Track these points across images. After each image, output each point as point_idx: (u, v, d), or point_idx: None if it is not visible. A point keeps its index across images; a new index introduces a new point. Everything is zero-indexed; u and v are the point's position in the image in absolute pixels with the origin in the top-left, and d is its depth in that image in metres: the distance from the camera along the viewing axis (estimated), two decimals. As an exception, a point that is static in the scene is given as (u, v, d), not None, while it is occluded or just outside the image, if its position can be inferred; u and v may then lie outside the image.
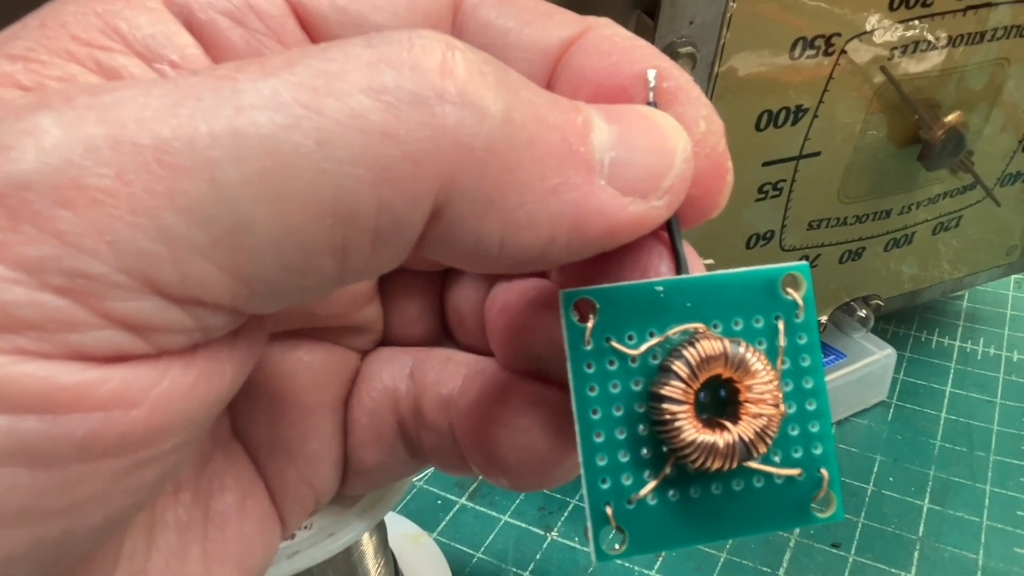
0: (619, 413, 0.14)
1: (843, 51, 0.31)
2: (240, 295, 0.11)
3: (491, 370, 0.17)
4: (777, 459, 0.15)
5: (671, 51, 0.27)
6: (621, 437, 0.14)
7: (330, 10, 0.14)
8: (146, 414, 0.11)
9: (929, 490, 0.39)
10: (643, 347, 0.14)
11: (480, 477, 0.39)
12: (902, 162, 0.37)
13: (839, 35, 0.31)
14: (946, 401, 0.45)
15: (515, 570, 0.35)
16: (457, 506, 0.38)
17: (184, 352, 0.12)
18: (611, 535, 0.14)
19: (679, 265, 0.14)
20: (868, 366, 0.43)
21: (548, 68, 0.15)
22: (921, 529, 0.37)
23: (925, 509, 0.38)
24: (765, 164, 0.33)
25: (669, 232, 0.14)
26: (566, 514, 0.38)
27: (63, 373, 0.11)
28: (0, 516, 0.11)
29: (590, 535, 0.14)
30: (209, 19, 0.13)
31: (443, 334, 0.20)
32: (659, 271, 0.14)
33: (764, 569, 0.35)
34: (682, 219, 0.14)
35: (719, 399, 0.15)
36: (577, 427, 0.14)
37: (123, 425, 0.11)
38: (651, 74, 0.14)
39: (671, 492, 0.14)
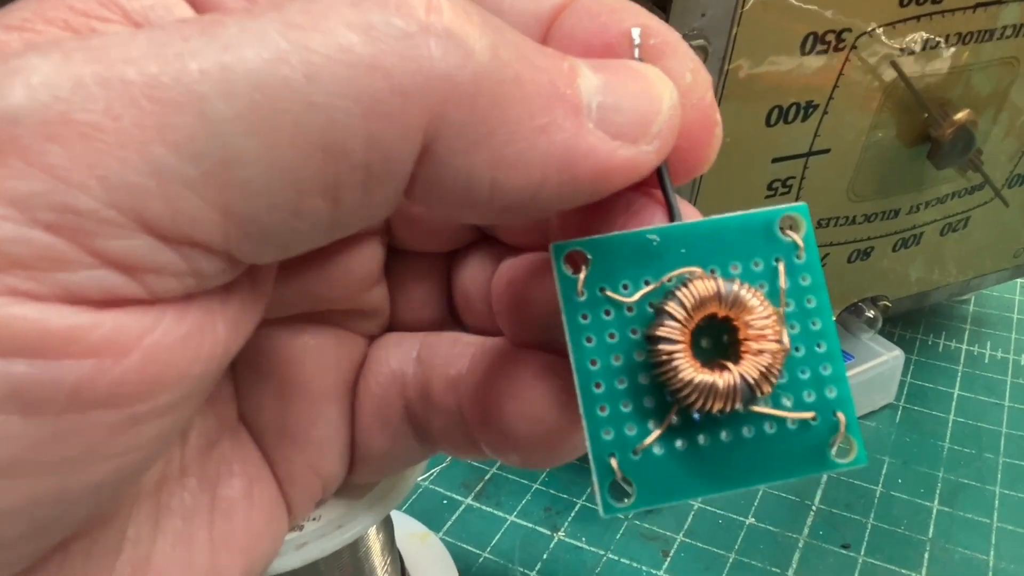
0: (618, 363, 0.14)
1: (853, 47, 0.31)
2: (232, 236, 0.11)
3: (500, 347, 0.17)
4: (788, 403, 0.14)
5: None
6: (622, 387, 0.14)
7: None
8: (138, 363, 0.11)
9: (938, 492, 0.39)
10: (638, 295, 0.14)
11: (485, 480, 0.39)
12: (911, 161, 0.37)
13: (849, 31, 0.31)
14: (954, 404, 0.45)
15: (522, 570, 0.35)
16: (463, 506, 0.38)
17: (177, 301, 0.12)
18: (617, 487, 0.14)
19: (672, 214, 0.14)
20: (876, 367, 0.42)
21: (541, 33, 0.15)
22: (931, 530, 0.37)
23: (935, 511, 0.38)
24: (775, 160, 0.33)
25: (660, 183, 0.14)
26: (573, 514, 0.37)
27: (54, 316, 0.10)
28: None
29: (596, 487, 0.14)
30: None
31: (451, 318, 0.20)
32: (653, 222, 0.14)
33: (773, 569, 0.35)
34: (672, 173, 0.14)
35: (723, 345, 0.14)
36: (576, 378, 0.14)
37: (115, 374, 0.11)
38: (635, 32, 0.14)
39: (678, 441, 0.14)
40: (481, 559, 0.35)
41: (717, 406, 0.14)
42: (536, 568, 0.35)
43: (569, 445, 0.16)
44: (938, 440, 0.42)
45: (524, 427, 0.16)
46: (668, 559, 0.35)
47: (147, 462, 0.13)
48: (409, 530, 0.35)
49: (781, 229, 0.14)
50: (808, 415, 0.14)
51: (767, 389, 0.14)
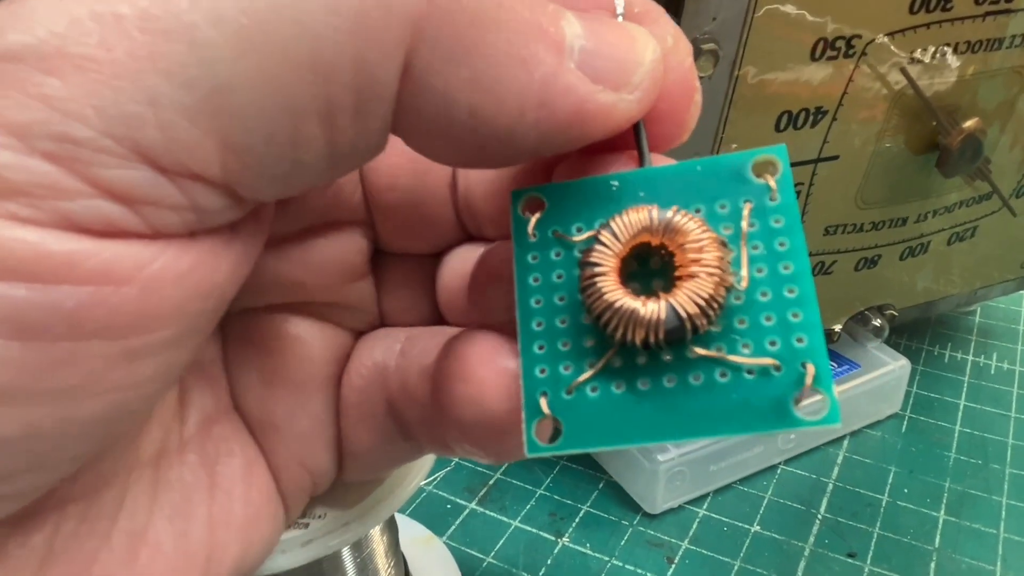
0: (562, 303, 0.14)
1: (863, 54, 0.31)
2: (231, 168, 0.11)
3: (465, 332, 0.17)
4: (747, 351, 0.13)
5: (693, 47, 0.27)
6: (563, 326, 0.13)
7: None
8: (136, 293, 0.11)
9: (945, 502, 0.39)
10: (586, 234, 0.14)
11: (489, 485, 0.39)
12: (920, 169, 0.37)
13: (859, 38, 0.31)
14: (960, 414, 0.45)
15: (526, 575, 0.34)
16: (467, 510, 0.38)
17: (180, 237, 0.12)
18: (545, 426, 0.13)
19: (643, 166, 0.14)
20: (882, 376, 0.42)
21: None
22: (937, 540, 0.36)
23: (941, 520, 0.38)
24: (783, 166, 0.33)
25: (636, 139, 0.14)
26: (578, 519, 0.37)
27: (53, 241, 0.11)
28: None
29: (523, 425, 0.13)
30: None
31: (439, 319, 0.20)
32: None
33: (779, 578, 0.34)
34: (651, 140, 0.14)
35: (671, 286, 0.13)
36: (517, 315, 0.14)
37: (113, 303, 0.11)
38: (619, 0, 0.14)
39: (615, 383, 0.13)
40: (485, 564, 0.35)
41: (639, 335, 0.12)
42: (540, 573, 0.34)
43: (518, 435, 0.16)
44: (944, 450, 0.42)
45: (469, 411, 0.15)
46: (673, 566, 0.35)
47: (143, 402, 0.13)
48: (413, 534, 0.35)
49: (756, 173, 0.13)
50: (769, 362, 0.12)
51: (703, 323, 0.12)
